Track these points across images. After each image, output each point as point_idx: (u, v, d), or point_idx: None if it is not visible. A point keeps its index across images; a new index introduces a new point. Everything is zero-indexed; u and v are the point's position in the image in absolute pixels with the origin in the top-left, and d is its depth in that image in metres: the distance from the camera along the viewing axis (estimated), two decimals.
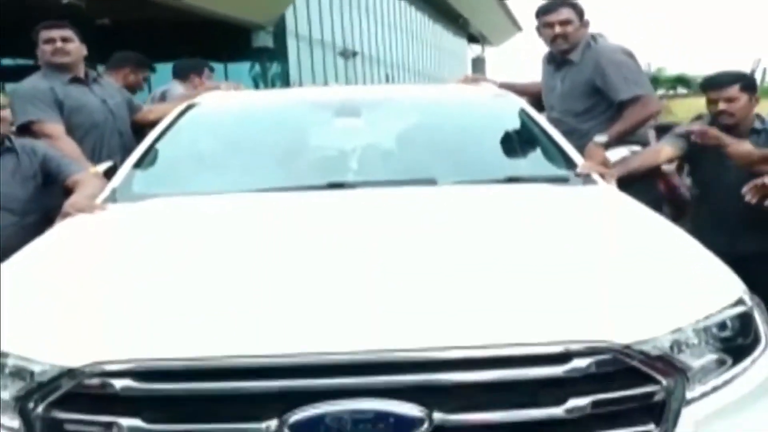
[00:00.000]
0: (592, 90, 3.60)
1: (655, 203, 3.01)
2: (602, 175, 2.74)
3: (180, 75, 4.93)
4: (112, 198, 2.56)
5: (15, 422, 1.48)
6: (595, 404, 1.46)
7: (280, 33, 16.76)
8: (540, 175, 2.70)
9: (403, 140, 3.09)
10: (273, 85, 17.61)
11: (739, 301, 1.70)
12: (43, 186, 2.90)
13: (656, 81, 22.71)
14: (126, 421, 1.42)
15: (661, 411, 1.51)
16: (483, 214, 2.28)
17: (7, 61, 15.48)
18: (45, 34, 3.52)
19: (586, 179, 2.66)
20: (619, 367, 1.48)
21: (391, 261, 1.79)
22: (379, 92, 4.04)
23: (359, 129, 3.16)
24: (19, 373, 1.51)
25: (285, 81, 15.43)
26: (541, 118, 3.21)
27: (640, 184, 2.99)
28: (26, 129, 3.35)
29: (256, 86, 16.61)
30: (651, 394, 1.50)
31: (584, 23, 3.73)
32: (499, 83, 4.04)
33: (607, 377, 1.48)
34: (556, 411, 1.44)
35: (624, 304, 1.59)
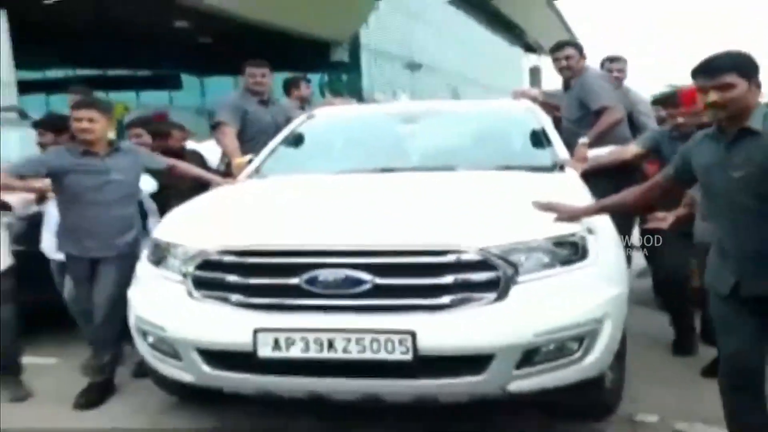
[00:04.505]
0: (581, 104, 4.86)
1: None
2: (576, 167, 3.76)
3: (285, 90, 6.31)
4: (250, 176, 4.07)
5: (179, 277, 2.85)
6: (463, 279, 2.55)
7: (354, 48, 18.13)
8: (528, 165, 3.67)
9: (439, 140, 4.35)
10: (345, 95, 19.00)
11: (573, 234, 2.74)
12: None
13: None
14: (230, 277, 2.72)
15: (498, 286, 2.56)
16: (464, 184, 3.41)
17: (125, 72, 17.35)
18: (250, 70, 5.24)
19: (561, 169, 3.62)
20: (477, 259, 2.55)
21: (388, 201, 3.10)
22: (433, 106, 5.14)
23: (415, 132, 4.45)
24: (181, 253, 2.89)
25: (358, 90, 16.75)
26: (548, 125, 4.21)
27: (604, 176, 3.92)
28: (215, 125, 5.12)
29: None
30: (494, 277, 2.56)
31: (583, 56, 5.05)
32: (542, 98, 5.34)
33: (471, 265, 2.56)
34: (440, 280, 2.55)
35: (494, 227, 2.69)
